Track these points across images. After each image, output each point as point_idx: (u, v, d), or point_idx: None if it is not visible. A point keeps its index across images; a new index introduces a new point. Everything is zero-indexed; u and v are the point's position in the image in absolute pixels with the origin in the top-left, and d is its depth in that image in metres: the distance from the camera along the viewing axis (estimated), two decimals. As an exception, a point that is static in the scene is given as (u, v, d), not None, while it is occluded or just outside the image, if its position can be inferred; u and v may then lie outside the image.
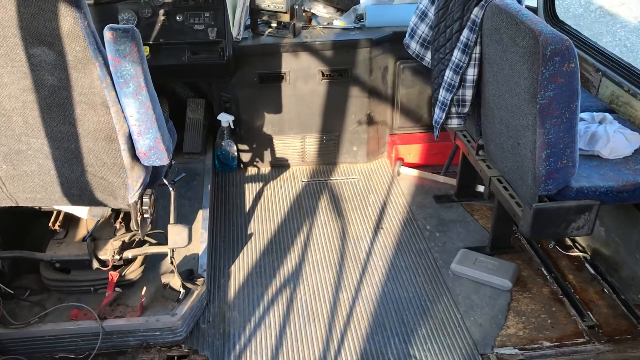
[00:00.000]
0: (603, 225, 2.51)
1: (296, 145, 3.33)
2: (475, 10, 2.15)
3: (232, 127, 3.16)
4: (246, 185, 3.21)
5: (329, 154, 3.38)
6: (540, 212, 2.00)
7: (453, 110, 2.43)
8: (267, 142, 3.31)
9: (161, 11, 2.86)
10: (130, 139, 1.78)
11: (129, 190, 1.88)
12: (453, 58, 2.28)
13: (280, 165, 3.38)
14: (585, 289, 2.42)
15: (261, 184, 3.23)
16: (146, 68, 1.70)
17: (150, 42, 2.86)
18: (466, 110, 2.37)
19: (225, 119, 3.12)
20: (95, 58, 1.59)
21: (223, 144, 3.20)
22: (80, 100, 1.67)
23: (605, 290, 2.41)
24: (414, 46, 2.60)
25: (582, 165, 2.10)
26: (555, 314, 2.29)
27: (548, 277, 2.48)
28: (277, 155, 3.36)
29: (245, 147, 3.31)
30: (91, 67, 1.60)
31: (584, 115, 2.34)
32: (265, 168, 3.37)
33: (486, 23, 2.12)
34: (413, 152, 3.31)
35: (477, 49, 2.21)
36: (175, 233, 2.09)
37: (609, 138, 2.17)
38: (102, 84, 1.64)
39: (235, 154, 3.27)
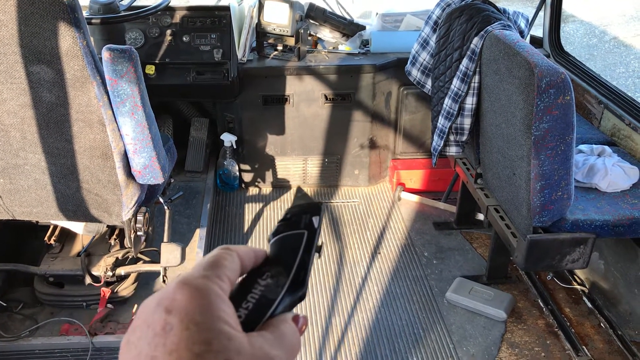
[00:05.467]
0: (602, 259, 2.48)
1: (298, 166, 3.34)
2: (475, 39, 2.16)
3: (235, 147, 3.18)
4: (246, 205, 3.22)
5: (330, 176, 3.39)
6: (535, 243, 1.98)
7: (451, 138, 2.43)
8: (269, 162, 3.32)
9: (168, 31, 2.91)
10: (126, 157, 1.80)
11: (123, 207, 1.90)
12: (452, 86, 2.28)
13: (281, 186, 3.39)
14: (582, 322, 2.38)
15: (261, 204, 3.24)
16: (143, 88, 1.72)
17: (157, 62, 2.90)
18: (464, 138, 2.37)
19: (228, 138, 3.14)
20: (93, 77, 1.62)
21: (225, 163, 3.22)
22: (77, 118, 1.70)
23: (601, 324, 2.37)
24: (415, 73, 2.62)
25: (579, 197, 2.08)
26: (550, 347, 2.26)
27: (544, 309, 2.45)
28: (279, 176, 3.37)
29: (247, 167, 3.33)
30: (89, 85, 1.63)
31: (583, 147, 2.33)
32: (266, 188, 3.39)
33: (485, 53, 2.13)
34: (414, 177, 3.30)
35: (476, 78, 2.22)
36: (168, 252, 2.09)
37: (607, 171, 2.15)
38: (99, 102, 1.66)
39: (237, 173, 3.29)
